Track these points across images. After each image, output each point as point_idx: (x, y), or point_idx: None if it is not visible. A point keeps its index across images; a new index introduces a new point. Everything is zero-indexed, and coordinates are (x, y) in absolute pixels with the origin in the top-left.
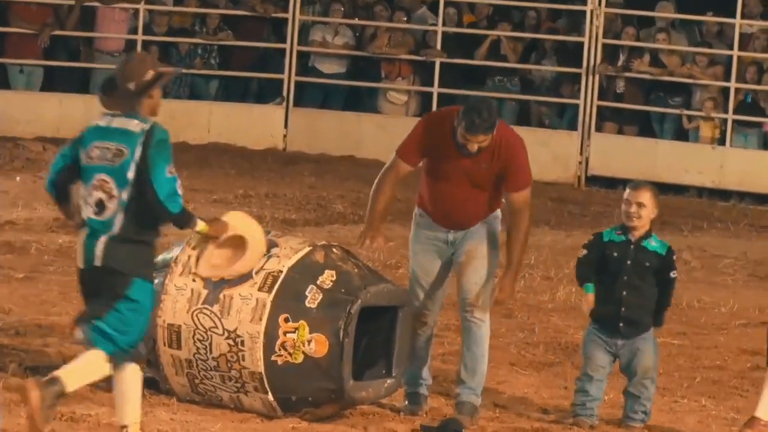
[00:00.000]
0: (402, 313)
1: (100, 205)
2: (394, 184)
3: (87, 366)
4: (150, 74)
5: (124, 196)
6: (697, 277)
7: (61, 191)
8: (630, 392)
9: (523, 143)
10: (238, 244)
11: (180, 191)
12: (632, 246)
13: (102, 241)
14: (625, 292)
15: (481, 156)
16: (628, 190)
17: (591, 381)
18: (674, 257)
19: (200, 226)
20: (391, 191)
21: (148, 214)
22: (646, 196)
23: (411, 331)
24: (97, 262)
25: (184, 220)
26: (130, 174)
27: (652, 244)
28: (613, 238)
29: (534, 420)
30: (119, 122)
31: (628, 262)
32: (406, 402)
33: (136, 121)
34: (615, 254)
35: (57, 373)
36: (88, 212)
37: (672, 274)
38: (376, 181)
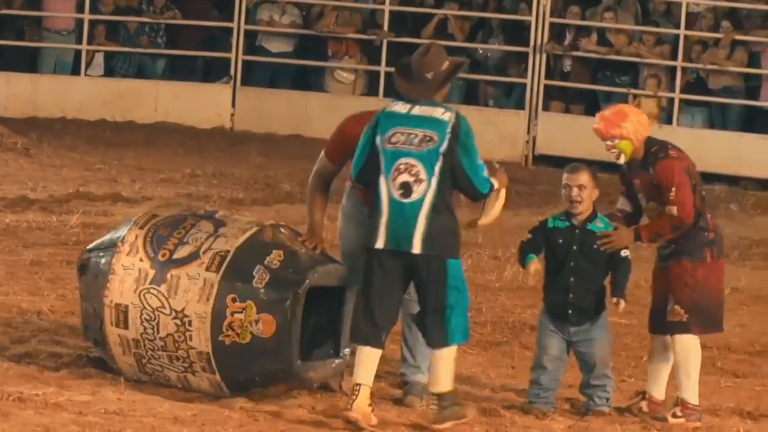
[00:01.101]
0: (349, 293)
1: (406, 188)
2: (324, 188)
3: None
4: (446, 65)
5: (434, 180)
6: (644, 256)
7: (367, 176)
8: (592, 384)
9: None
10: None
11: (487, 174)
12: (577, 230)
13: (419, 227)
14: (572, 279)
15: None
16: (566, 174)
17: (545, 372)
18: None
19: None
20: (325, 197)
21: (451, 196)
22: (585, 178)
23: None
24: (416, 250)
25: (490, 194)
26: (439, 160)
27: (598, 225)
28: (558, 225)
29: (482, 400)
30: (422, 110)
31: (575, 247)
32: None
33: (441, 109)
34: (560, 240)
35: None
36: (393, 194)
37: (623, 254)
38: (309, 187)
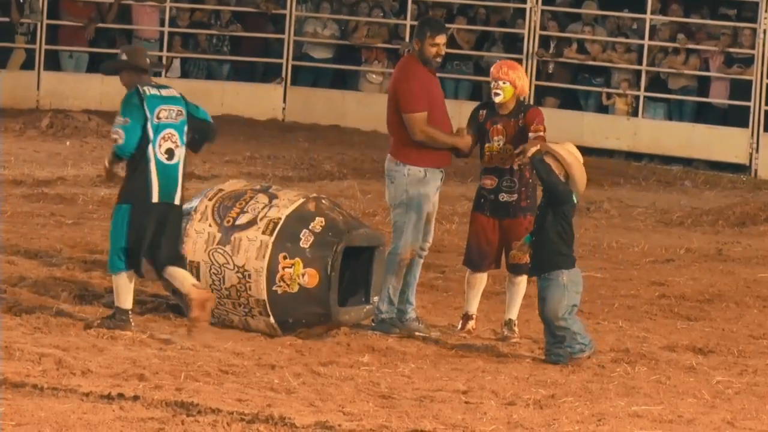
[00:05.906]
0: (377, 252)
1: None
2: None
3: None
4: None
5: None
6: (614, 223)
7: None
8: (552, 332)
9: None
10: None
11: None
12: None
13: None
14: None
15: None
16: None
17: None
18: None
19: None
20: None
21: None
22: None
23: (403, 263)
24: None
25: None
26: None
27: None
28: None
29: (484, 339)
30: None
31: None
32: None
33: None
34: None
35: None
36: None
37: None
38: (427, 134)
